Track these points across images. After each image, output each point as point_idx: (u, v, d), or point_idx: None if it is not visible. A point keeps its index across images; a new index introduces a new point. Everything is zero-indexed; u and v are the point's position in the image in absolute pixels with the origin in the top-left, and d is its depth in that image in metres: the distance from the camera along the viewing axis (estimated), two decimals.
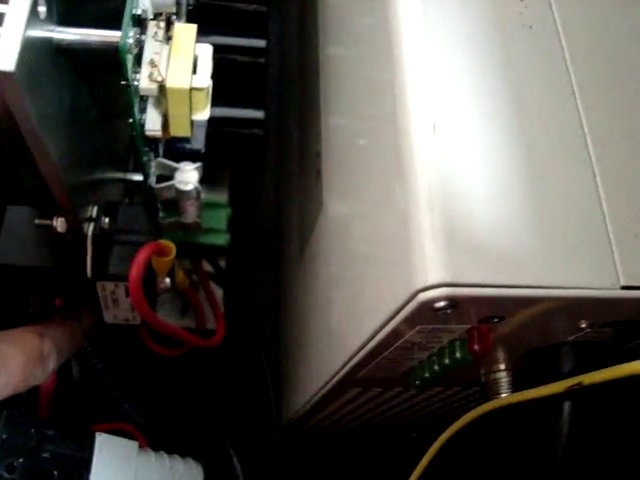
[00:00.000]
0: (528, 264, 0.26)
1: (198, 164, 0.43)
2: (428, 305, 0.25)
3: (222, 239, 0.48)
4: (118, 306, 0.42)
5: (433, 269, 0.25)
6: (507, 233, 0.26)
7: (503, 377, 0.35)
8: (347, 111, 0.37)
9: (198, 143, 0.44)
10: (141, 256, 0.39)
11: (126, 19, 0.34)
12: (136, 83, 0.36)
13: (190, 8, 0.51)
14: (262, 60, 0.51)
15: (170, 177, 0.44)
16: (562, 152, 0.28)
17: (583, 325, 0.29)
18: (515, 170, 0.27)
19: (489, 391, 0.35)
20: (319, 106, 0.42)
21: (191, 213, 0.45)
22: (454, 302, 0.25)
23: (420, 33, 0.29)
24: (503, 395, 0.34)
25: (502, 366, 0.34)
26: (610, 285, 0.26)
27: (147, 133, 0.38)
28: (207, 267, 0.53)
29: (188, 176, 0.43)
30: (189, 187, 0.43)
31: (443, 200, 0.26)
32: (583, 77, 0.30)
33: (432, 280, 0.25)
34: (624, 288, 0.27)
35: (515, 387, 0.34)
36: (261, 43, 0.51)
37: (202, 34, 0.50)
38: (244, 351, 0.58)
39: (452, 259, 0.25)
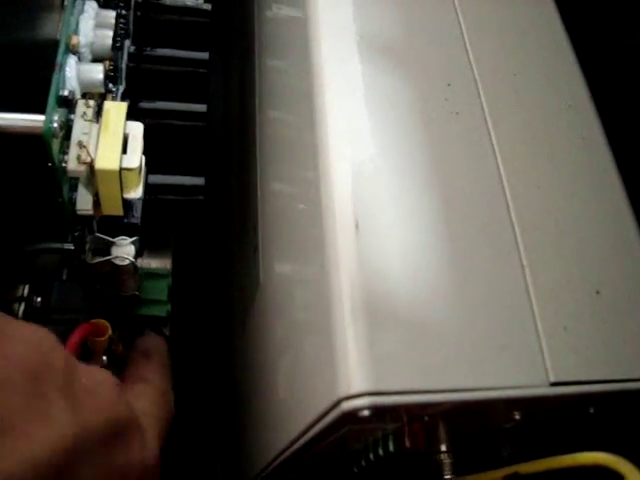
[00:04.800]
0: (455, 367, 0.25)
1: (135, 238, 0.42)
2: (352, 414, 0.24)
3: (162, 310, 0.47)
4: None
5: (357, 377, 0.24)
6: (433, 335, 0.25)
7: (445, 459, 0.34)
8: (280, 183, 0.37)
9: (134, 217, 0.43)
10: (74, 339, 0.37)
11: (51, 102, 0.33)
12: (64, 165, 0.35)
13: (129, 72, 0.50)
14: (202, 124, 0.50)
15: (107, 250, 0.43)
16: (490, 244, 0.28)
17: (517, 417, 0.29)
18: (441, 268, 0.27)
19: (431, 472, 0.34)
20: (256, 175, 0.41)
21: (129, 287, 0.44)
22: (379, 411, 0.24)
23: (346, 126, 0.29)
24: (446, 477, 0.34)
25: (443, 448, 0.34)
26: (539, 382, 0.26)
27: (78, 212, 0.37)
28: None
29: (125, 250, 0.42)
30: (126, 262, 0.42)
31: (366, 305, 0.25)
32: (511, 166, 0.30)
33: (355, 389, 0.24)
34: (553, 385, 0.26)
35: (457, 468, 0.34)
36: (201, 107, 0.50)
37: (141, 99, 0.50)
38: (189, 420, 0.56)
39: (376, 366, 0.24)
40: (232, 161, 0.51)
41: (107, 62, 0.40)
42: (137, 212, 0.43)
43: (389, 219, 0.27)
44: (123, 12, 0.48)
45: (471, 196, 0.29)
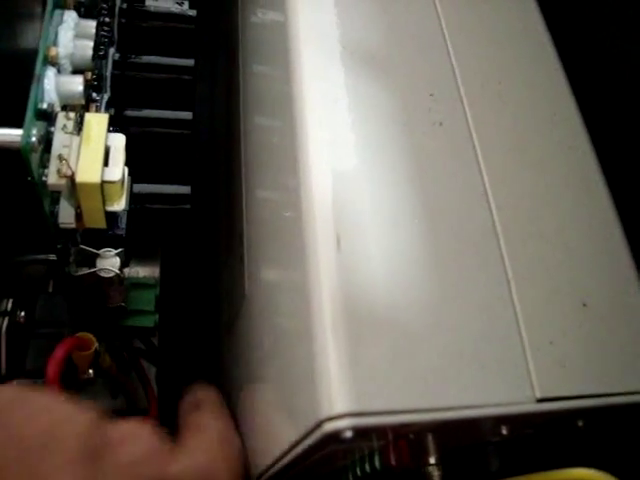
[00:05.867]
0: (439, 384, 0.25)
1: (120, 249, 0.42)
2: (334, 435, 0.24)
3: (150, 320, 0.46)
4: None
5: (338, 397, 0.24)
6: (416, 352, 0.25)
7: (433, 472, 0.33)
8: (263, 193, 0.36)
9: (119, 228, 0.43)
10: (58, 354, 0.37)
11: (29, 116, 0.33)
12: (44, 179, 0.34)
13: (114, 80, 0.49)
14: (188, 132, 0.50)
15: (92, 262, 0.42)
16: (474, 257, 0.28)
17: (504, 431, 0.28)
18: (425, 283, 0.26)
19: None
20: (241, 185, 0.41)
21: (115, 298, 0.44)
22: (361, 432, 0.24)
23: (327, 138, 0.28)
24: None
25: (431, 461, 0.33)
26: (525, 399, 0.26)
27: (61, 226, 0.37)
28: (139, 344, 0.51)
29: (110, 262, 0.42)
30: (111, 274, 0.41)
31: (348, 323, 0.25)
32: (495, 176, 0.29)
33: (337, 410, 0.24)
34: (540, 401, 0.26)
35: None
36: (187, 115, 0.50)
37: (126, 107, 0.49)
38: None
39: (358, 385, 0.24)
40: (219, 169, 0.51)
41: (89, 72, 0.40)
42: (122, 223, 0.43)
43: (371, 233, 0.27)
44: (106, 20, 0.48)
45: (455, 208, 0.28)
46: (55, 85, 0.35)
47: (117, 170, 0.36)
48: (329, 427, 0.24)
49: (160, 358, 0.51)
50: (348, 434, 0.24)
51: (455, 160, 0.29)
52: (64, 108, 0.37)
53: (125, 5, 0.52)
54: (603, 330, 0.28)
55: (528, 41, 0.34)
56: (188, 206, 0.48)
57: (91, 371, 0.42)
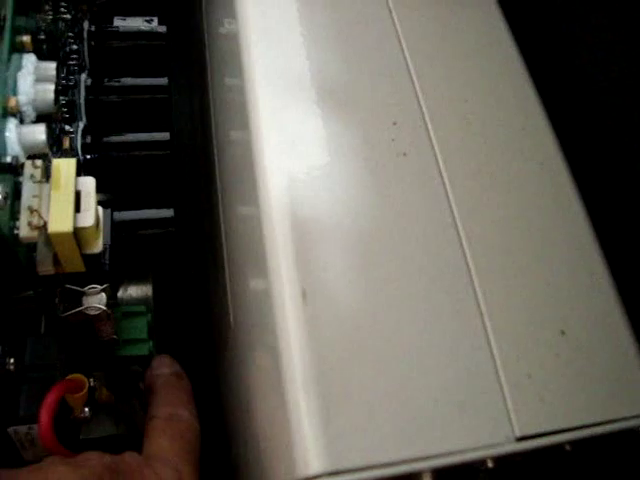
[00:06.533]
0: (415, 434, 0.25)
1: (105, 285, 0.42)
2: None
3: (144, 348, 0.46)
4: (36, 445, 0.40)
5: (313, 457, 0.24)
6: (390, 404, 0.25)
7: None
8: (239, 209, 0.35)
9: (101, 265, 0.42)
10: (49, 401, 0.37)
11: None
12: (16, 232, 0.34)
13: (88, 106, 0.49)
14: (167, 152, 0.49)
15: (78, 301, 0.42)
16: (445, 296, 0.27)
17: (490, 465, 0.28)
18: (394, 328, 0.26)
19: None
20: (218, 210, 0.40)
21: (106, 332, 0.44)
22: None
23: (286, 183, 0.28)
24: None
25: None
26: (504, 439, 0.25)
27: (40, 273, 0.37)
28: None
29: (96, 299, 0.41)
30: (98, 311, 0.41)
31: (319, 378, 0.24)
32: (465, 206, 0.29)
33: (313, 470, 0.23)
34: (520, 439, 0.25)
35: None
36: (165, 135, 0.49)
37: (103, 132, 0.49)
38: None
39: (333, 444, 0.24)
40: (200, 191, 0.50)
41: (58, 112, 0.39)
42: (105, 259, 0.42)
43: (338, 282, 0.26)
44: (74, 47, 0.47)
45: (423, 243, 0.28)
46: (17, 137, 0.34)
47: (90, 215, 0.35)
48: None
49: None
50: None
51: (421, 192, 0.29)
52: (31, 156, 0.36)
53: (93, 27, 0.51)
54: (583, 358, 0.27)
55: (494, 54, 0.33)
56: (173, 229, 0.48)
57: (87, 409, 0.41)
